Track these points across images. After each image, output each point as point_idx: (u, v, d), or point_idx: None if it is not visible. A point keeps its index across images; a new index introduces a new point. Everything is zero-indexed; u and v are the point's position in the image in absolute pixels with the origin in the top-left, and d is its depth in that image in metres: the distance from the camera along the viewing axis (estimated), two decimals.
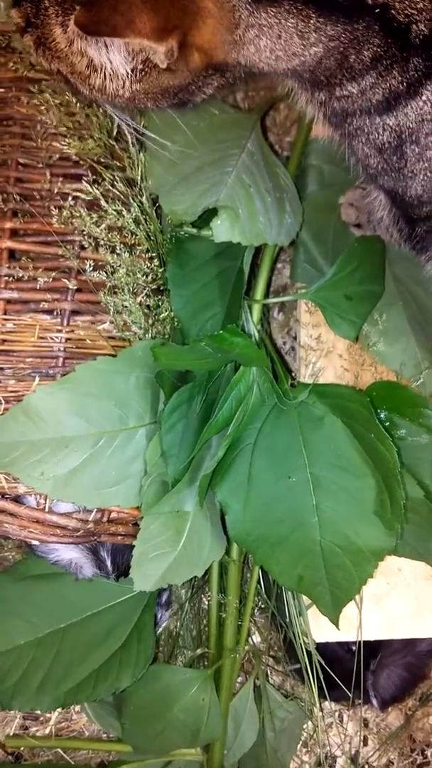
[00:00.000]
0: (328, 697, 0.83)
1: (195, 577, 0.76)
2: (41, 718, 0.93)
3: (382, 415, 0.73)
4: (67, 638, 0.80)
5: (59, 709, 0.92)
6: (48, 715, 0.93)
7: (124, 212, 0.67)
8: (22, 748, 0.91)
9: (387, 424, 0.73)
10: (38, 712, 0.92)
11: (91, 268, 0.67)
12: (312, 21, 0.50)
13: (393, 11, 0.49)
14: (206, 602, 0.89)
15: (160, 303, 0.72)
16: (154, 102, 0.56)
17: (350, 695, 0.83)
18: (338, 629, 0.70)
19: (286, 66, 0.54)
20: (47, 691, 0.77)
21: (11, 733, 0.91)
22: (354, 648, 0.80)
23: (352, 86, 0.54)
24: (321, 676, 0.80)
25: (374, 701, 0.88)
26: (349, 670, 0.81)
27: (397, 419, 0.74)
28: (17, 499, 0.68)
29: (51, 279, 0.67)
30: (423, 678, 0.93)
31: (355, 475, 0.68)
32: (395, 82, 0.53)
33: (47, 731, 0.92)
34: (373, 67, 0.52)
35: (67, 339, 0.69)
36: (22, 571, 0.82)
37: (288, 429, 0.70)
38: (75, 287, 0.68)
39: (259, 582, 0.85)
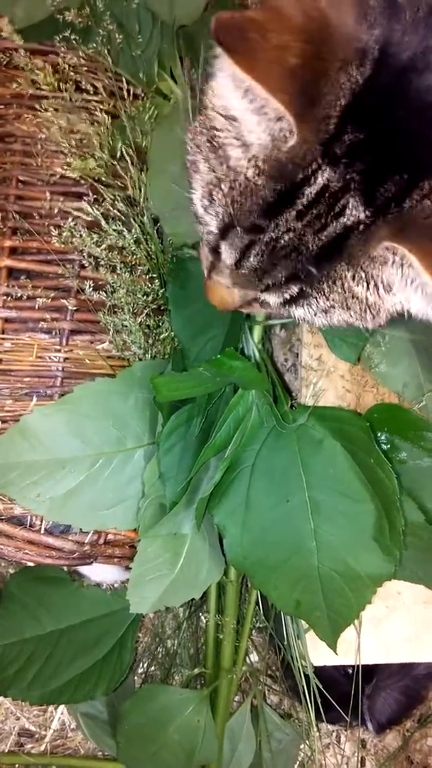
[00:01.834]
0: (324, 720, 0.83)
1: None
2: (36, 735, 0.93)
3: (383, 438, 0.73)
4: (62, 639, 0.82)
5: (55, 727, 0.92)
6: (43, 732, 0.92)
7: (125, 232, 0.66)
8: (17, 765, 0.90)
9: (388, 446, 0.73)
10: (33, 729, 0.92)
11: (91, 288, 0.67)
12: None
13: None
14: (204, 621, 0.88)
15: (160, 323, 0.72)
16: None
17: (347, 718, 0.82)
18: (336, 654, 0.69)
19: None
20: (37, 686, 0.79)
21: (6, 750, 0.90)
22: (350, 671, 0.79)
23: None
24: (318, 699, 0.80)
25: (370, 725, 0.87)
26: (345, 693, 0.81)
27: (398, 442, 0.73)
28: (13, 520, 0.68)
29: (50, 298, 0.67)
30: (420, 701, 0.92)
31: (354, 499, 0.67)
32: None
33: (42, 748, 0.92)
34: None
35: (66, 359, 0.68)
36: (37, 571, 0.84)
37: (287, 452, 0.69)
38: (74, 307, 0.68)
39: (257, 603, 0.84)
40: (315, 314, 0.47)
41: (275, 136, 0.39)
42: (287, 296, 0.46)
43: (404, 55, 0.39)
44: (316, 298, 0.46)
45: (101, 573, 0.82)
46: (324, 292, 0.45)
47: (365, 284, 0.44)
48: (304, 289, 0.45)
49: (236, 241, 0.44)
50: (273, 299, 0.47)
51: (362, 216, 0.41)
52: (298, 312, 0.47)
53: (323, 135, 0.39)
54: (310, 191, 0.40)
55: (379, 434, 0.73)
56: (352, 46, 0.38)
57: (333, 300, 0.45)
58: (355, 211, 0.41)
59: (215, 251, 0.47)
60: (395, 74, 0.39)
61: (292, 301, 0.46)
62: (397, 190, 0.40)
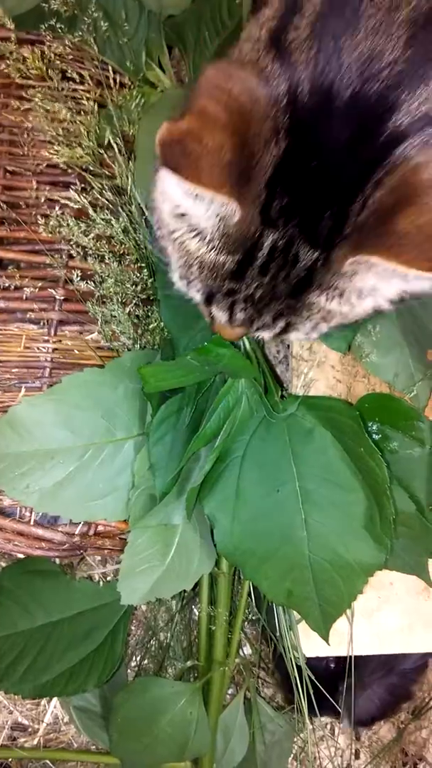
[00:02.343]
0: (318, 713, 0.82)
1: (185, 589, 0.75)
2: (29, 729, 0.92)
3: (374, 428, 0.73)
4: (55, 632, 0.81)
5: (48, 720, 0.92)
6: (36, 726, 0.92)
7: (113, 221, 0.66)
8: (10, 759, 0.90)
9: (379, 436, 0.73)
10: (26, 722, 0.92)
11: (79, 278, 0.66)
12: None
13: None
14: (197, 614, 0.88)
15: (149, 313, 0.71)
16: None
17: (337, 710, 0.82)
18: (328, 644, 0.69)
19: None
20: (29, 679, 0.79)
21: None
22: (332, 665, 0.79)
23: None
24: (311, 691, 0.79)
25: (346, 723, 0.87)
26: (328, 687, 0.80)
27: (389, 432, 0.73)
28: (2, 511, 0.68)
29: (38, 288, 0.66)
30: (408, 698, 0.91)
31: (344, 489, 0.67)
32: None
33: (35, 742, 0.91)
34: None
35: (54, 349, 0.68)
36: (29, 565, 0.84)
37: (277, 442, 0.69)
38: (62, 297, 0.68)
39: (249, 594, 0.84)
40: (306, 334, 0.53)
41: (223, 217, 0.45)
42: (277, 330, 0.53)
43: (311, 101, 0.44)
44: (302, 323, 0.52)
45: None
46: (306, 317, 0.52)
47: (338, 299, 0.49)
48: (290, 321, 0.52)
49: (221, 305, 0.52)
50: (266, 335, 0.54)
51: (315, 255, 0.47)
52: (292, 336, 0.54)
53: (259, 206, 0.45)
54: (262, 253, 0.47)
55: (370, 424, 0.72)
56: (268, 123, 0.44)
57: (316, 319, 0.52)
58: (308, 255, 0.47)
59: (209, 313, 0.55)
60: (307, 125, 0.45)
61: (283, 332, 0.53)
62: (334, 223, 0.46)
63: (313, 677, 0.79)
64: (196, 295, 0.53)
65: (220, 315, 0.53)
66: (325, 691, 0.80)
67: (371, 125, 0.45)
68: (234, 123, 0.42)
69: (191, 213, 0.46)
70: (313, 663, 0.81)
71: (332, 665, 0.80)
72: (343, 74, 0.44)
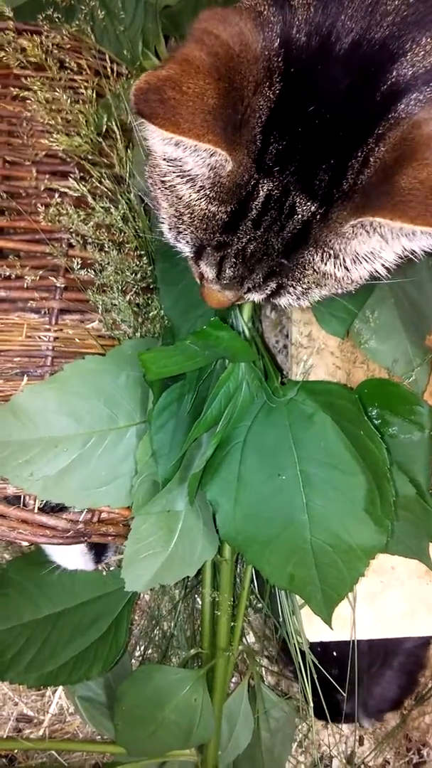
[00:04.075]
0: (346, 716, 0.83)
1: (188, 576, 0.75)
2: (35, 720, 0.93)
3: (374, 413, 0.73)
4: (59, 623, 0.82)
5: (53, 711, 0.92)
6: (42, 717, 0.93)
7: (112, 209, 0.66)
8: (15, 751, 0.90)
9: (379, 421, 0.73)
10: (31, 714, 0.92)
11: (79, 267, 0.67)
12: None
13: None
14: (200, 602, 0.88)
15: (149, 301, 0.72)
16: None
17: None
18: (331, 629, 0.70)
19: None
20: (34, 669, 0.80)
21: (5, 736, 0.90)
22: (336, 671, 0.80)
23: None
24: (315, 677, 0.80)
25: (366, 722, 0.88)
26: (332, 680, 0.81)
27: (388, 417, 0.73)
28: (6, 499, 0.68)
29: (38, 277, 0.67)
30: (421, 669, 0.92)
31: (345, 472, 0.67)
32: None
33: (41, 733, 0.92)
34: None
35: (56, 338, 0.68)
36: (35, 557, 0.85)
37: (278, 427, 0.69)
38: (63, 285, 0.68)
39: (252, 581, 0.84)
40: (297, 299, 0.51)
41: (213, 166, 0.43)
42: (268, 291, 0.51)
43: (308, 46, 0.43)
44: (293, 286, 0.50)
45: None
46: (298, 279, 0.49)
47: (333, 261, 0.47)
48: (281, 281, 0.50)
49: (210, 259, 0.50)
50: (256, 297, 0.52)
51: (313, 208, 0.45)
52: (282, 301, 0.52)
53: (253, 153, 0.44)
54: (257, 203, 0.45)
55: (369, 409, 0.73)
56: (260, 66, 0.42)
57: (308, 283, 0.50)
58: (304, 207, 0.45)
59: (198, 270, 0.52)
60: (303, 70, 0.43)
61: (274, 294, 0.51)
62: (331, 176, 0.44)
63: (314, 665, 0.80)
64: (185, 248, 0.51)
65: (208, 271, 0.51)
66: (328, 686, 0.81)
67: (372, 75, 0.43)
68: (219, 68, 0.41)
69: (181, 160, 0.44)
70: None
71: (336, 671, 0.80)
72: (345, 20, 0.42)
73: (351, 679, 0.80)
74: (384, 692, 0.91)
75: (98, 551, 0.81)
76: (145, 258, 0.70)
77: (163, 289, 0.71)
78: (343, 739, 0.96)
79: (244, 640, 0.90)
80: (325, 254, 0.47)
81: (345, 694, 0.81)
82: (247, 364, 0.69)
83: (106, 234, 0.67)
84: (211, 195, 0.45)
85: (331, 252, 0.47)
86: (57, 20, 0.66)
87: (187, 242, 0.50)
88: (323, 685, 0.81)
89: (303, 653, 0.79)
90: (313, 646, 0.79)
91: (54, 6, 0.65)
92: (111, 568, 0.85)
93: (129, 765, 0.84)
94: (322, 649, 0.82)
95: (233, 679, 0.89)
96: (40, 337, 0.68)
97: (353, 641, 0.78)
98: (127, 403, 0.69)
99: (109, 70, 0.69)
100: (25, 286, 0.67)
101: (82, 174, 0.67)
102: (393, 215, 0.41)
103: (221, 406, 0.68)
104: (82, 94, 0.66)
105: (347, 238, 0.45)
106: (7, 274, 0.66)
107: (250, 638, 0.94)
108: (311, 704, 0.80)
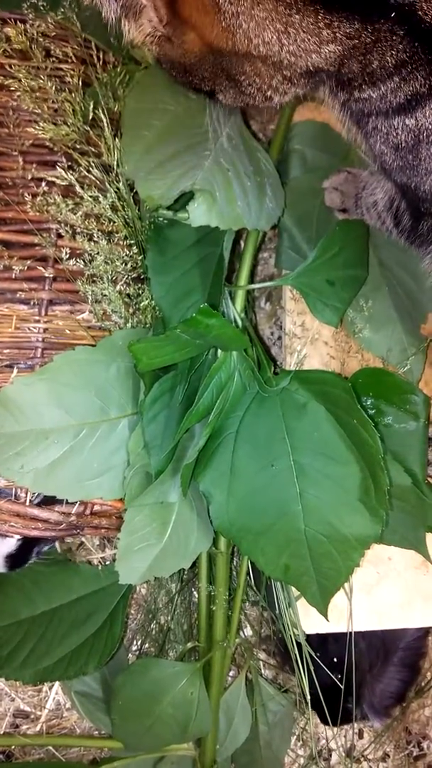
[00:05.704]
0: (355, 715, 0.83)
1: (184, 569, 0.75)
2: (32, 716, 0.92)
3: (368, 403, 0.72)
4: (55, 618, 0.81)
5: (50, 707, 0.92)
6: (39, 712, 0.92)
7: (101, 198, 0.66)
8: (13, 747, 0.90)
9: (373, 411, 0.72)
10: (28, 709, 0.92)
11: (69, 257, 0.66)
12: (320, 17, 0.49)
13: (420, 13, 0.48)
14: (196, 596, 0.88)
15: (140, 291, 0.71)
16: (171, 75, 0.61)
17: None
18: (327, 620, 0.69)
19: (305, 64, 0.53)
20: (29, 665, 0.79)
21: (1, 732, 0.90)
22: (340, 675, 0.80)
23: (373, 91, 0.54)
24: (312, 668, 0.79)
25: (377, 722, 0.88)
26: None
27: (383, 406, 0.73)
28: None
29: (27, 268, 0.66)
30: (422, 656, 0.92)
31: (338, 462, 0.67)
32: (418, 85, 0.52)
33: (38, 729, 0.91)
34: (396, 72, 0.52)
35: (45, 329, 0.68)
36: None
37: (270, 417, 0.68)
38: (52, 276, 0.67)
39: (249, 574, 0.84)
40: None
41: None
42: None
43: None
44: None
45: None
46: None
47: None
48: None
49: None
50: None
51: None
52: None
53: None
54: None
55: (364, 399, 0.72)
56: None
57: None
58: None
59: None
60: None
61: None
62: None
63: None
64: None
65: None
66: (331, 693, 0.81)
67: None
68: None
69: None
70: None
71: (339, 675, 0.80)
72: None
73: (353, 678, 0.79)
74: (388, 688, 0.90)
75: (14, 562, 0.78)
76: (135, 248, 0.69)
77: (153, 279, 0.70)
78: (343, 732, 0.95)
79: (241, 633, 0.90)
80: None
81: (354, 699, 0.81)
82: (239, 354, 0.68)
83: (95, 223, 0.67)
84: None
85: None
86: (42, 8, 0.65)
87: None
88: (335, 693, 0.81)
89: (300, 645, 0.78)
90: (315, 649, 0.79)
91: None
92: (106, 564, 0.84)
93: (126, 760, 0.84)
94: (322, 654, 0.81)
95: (231, 673, 0.88)
96: (29, 329, 0.67)
97: (350, 633, 0.78)
98: (119, 394, 0.69)
99: (95, 58, 0.68)
100: (14, 276, 0.66)
101: (69, 163, 0.66)
102: None
103: (213, 396, 0.68)
104: (69, 82, 0.65)
105: None
106: None
107: (248, 631, 0.93)
108: (308, 697, 0.80)
